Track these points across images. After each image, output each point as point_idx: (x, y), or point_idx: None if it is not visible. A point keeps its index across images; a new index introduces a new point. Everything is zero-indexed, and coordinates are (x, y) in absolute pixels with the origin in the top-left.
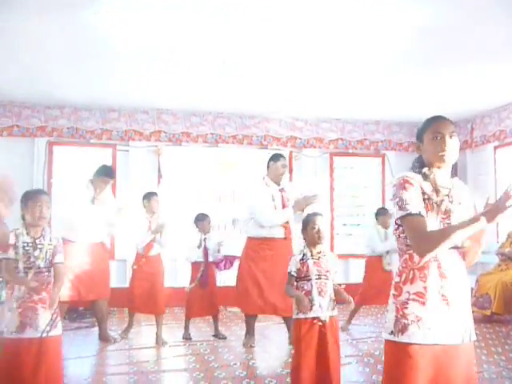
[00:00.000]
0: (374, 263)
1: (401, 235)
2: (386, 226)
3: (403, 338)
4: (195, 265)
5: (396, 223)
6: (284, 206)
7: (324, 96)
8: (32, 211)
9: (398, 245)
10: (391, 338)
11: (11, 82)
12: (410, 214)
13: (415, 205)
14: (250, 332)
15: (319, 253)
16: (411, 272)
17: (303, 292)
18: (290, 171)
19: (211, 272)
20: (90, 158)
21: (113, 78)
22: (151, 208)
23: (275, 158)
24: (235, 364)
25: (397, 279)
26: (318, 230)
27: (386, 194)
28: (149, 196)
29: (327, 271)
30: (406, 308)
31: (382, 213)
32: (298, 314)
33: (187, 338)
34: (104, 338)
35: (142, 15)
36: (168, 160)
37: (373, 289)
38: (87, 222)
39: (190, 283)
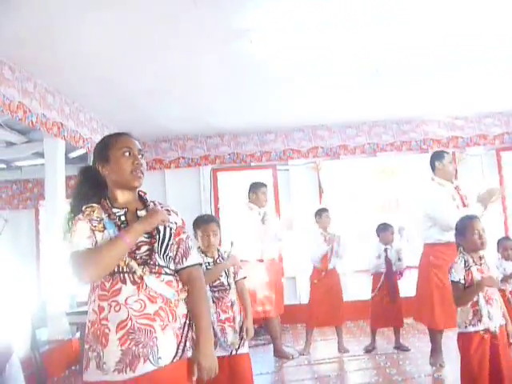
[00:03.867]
0: None
1: None
2: None
3: None
4: (376, 275)
5: None
6: (464, 205)
7: (483, 90)
8: (202, 240)
9: None
10: None
11: (175, 119)
12: None
13: None
14: (437, 349)
15: (481, 258)
16: None
17: (470, 304)
18: (455, 173)
19: (394, 282)
20: (252, 180)
21: (267, 102)
22: (323, 224)
23: (439, 155)
24: (419, 377)
25: None
26: (480, 235)
27: None
28: (320, 212)
29: None
30: None
31: None
32: (466, 327)
33: (369, 349)
34: (280, 354)
35: (293, 37)
36: (327, 174)
37: None
38: (259, 240)
39: (372, 294)
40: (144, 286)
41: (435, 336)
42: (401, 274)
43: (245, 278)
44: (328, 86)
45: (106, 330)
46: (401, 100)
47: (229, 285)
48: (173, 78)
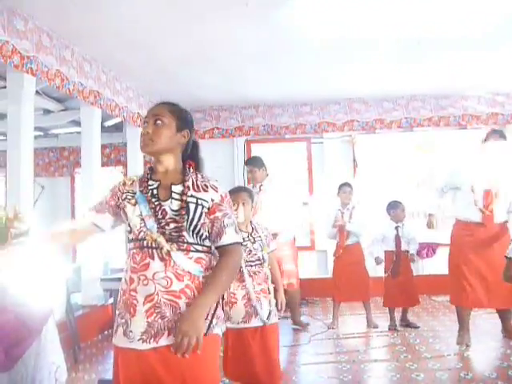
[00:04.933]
0: None
1: None
2: None
3: None
4: (389, 254)
5: None
6: None
7: None
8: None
9: None
10: None
11: (209, 89)
12: None
13: None
14: (464, 328)
15: None
16: None
17: None
18: None
19: (404, 261)
20: (285, 153)
21: (303, 73)
22: (342, 199)
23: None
24: (449, 355)
25: None
26: None
27: None
28: (341, 187)
29: None
30: None
31: None
32: None
33: (393, 328)
34: (297, 323)
35: (333, 7)
36: (363, 149)
37: None
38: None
39: (385, 273)
40: (171, 262)
41: (462, 315)
42: (433, 250)
43: (274, 250)
44: (366, 59)
45: (134, 301)
46: (440, 74)
47: (263, 258)
48: (209, 47)
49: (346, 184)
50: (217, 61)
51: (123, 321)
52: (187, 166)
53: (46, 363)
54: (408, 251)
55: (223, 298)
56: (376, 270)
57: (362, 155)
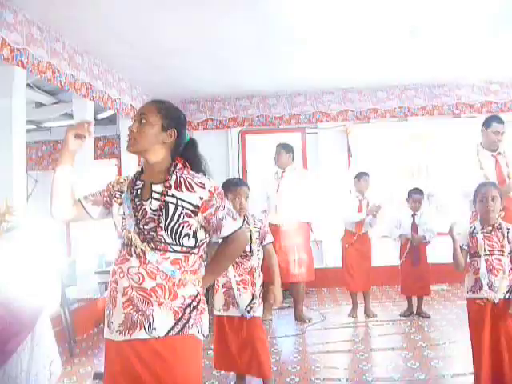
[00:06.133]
0: None
1: None
2: None
3: None
4: (405, 241)
5: None
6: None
7: None
8: (233, 203)
9: None
10: None
11: (204, 80)
12: None
13: None
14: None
15: (492, 226)
16: None
17: (473, 270)
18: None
19: (421, 249)
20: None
21: (297, 64)
22: (361, 188)
23: (487, 122)
24: (444, 343)
25: None
26: (487, 202)
27: None
28: (359, 176)
29: (502, 246)
30: None
31: None
32: (467, 292)
33: (405, 314)
34: (300, 319)
35: None
36: (357, 138)
37: None
38: (288, 204)
39: (400, 259)
40: (146, 261)
41: None
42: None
43: (272, 242)
44: (359, 48)
45: (115, 293)
46: (434, 63)
47: (251, 251)
48: (202, 39)
49: (364, 173)
50: (210, 52)
51: (107, 312)
52: (173, 163)
53: (41, 357)
54: (425, 237)
55: (209, 289)
56: (385, 260)
57: (356, 145)
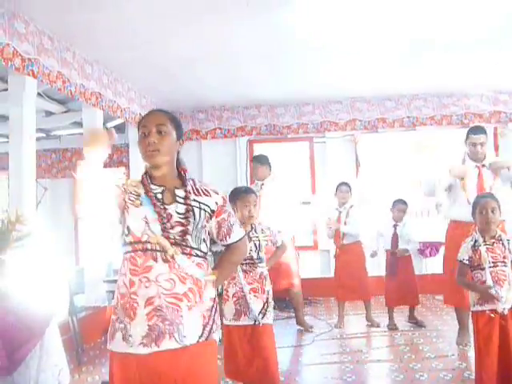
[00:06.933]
0: None
1: None
2: None
3: None
4: (389, 253)
5: None
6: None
7: None
8: (241, 211)
9: None
10: None
11: (211, 89)
12: None
13: None
14: (464, 328)
15: (494, 238)
16: None
17: (478, 282)
18: (496, 148)
19: (403, 260)
20: (288, 153)
21: (305, 73)
22: (339, 199)
23: (466, 134)
24: (453, 355)
25: None
26: (487, 214)
27: None
28: (339, 186)
29: (504, 257)
30: None
31: None
32: (474, 305)
33: (392, 327)
34: (301, 323)
35: (333, 7)
36: (365, 148)
37: None
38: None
39: (386, 271)
40: (175, 265)
41: (461, 315)
42: (437, 249)
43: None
44: (368, 58)
45: (135, 305)
46: (442, 72)
47: (259, 259)
48: (210, 48)
49: (344, 183)
50: (218, 61)
51: (122, 325)
52: (182, 171)
53: (49, 366)
54: (407, 250)
55: (220, 297)
56: (379, 270)
57: (364, 154)
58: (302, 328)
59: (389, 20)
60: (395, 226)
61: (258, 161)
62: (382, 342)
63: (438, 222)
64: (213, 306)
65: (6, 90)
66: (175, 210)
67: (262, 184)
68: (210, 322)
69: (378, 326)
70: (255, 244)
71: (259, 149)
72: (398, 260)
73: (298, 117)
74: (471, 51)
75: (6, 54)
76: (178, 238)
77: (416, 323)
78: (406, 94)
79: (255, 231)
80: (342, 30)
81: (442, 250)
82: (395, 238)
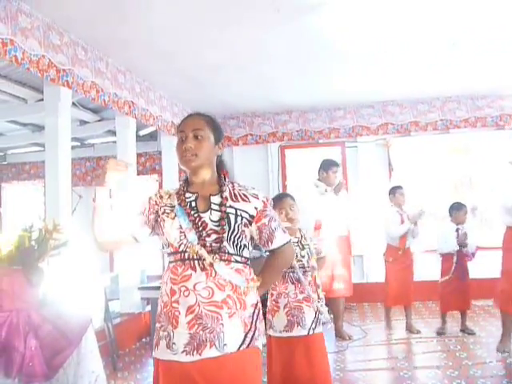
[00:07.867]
0: None
1: None
2: None
3: None
4: (446, 257)
5: None
6: None
7: None
8: (280, 217)
9: None
10: None
11: (242, 96)
12: None
13: None
14: (506, 335)
15: None
16: None
17: None
18: None
19: (465, 264)
20: (320, 158)
21: (336, 77)
22: (397, 202)
23: None
24: (491, 362)
25: None
26: None
27: None
28: (394, 190)
29: None
30: None
31: None
32: None
33: (440, 332)
34: (340, 335)
35: (363, 10)
36: (398, 152)
37: None
38: (332, 217)
39: (442, 276)
40: (213, 273)
41: (508, 322)
42: (473, 254)
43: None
44: (399, 61)
45: (177, 313)
46: (476, 74)
47: (309, 267)
48: (241, 55)
49: (399, 187)
50: (249, 67)
51: (165, 333)
52: (222, 175)
53: (86, 372)
54: (468, 252)
55: (265, 307)
56: (428, 275)
57: (397, 159)
58: (341, 338)
59: (420, 22)
60: (458, 230)
61: (336, 164)
62: (419, 348)
63: (473, 226)
64: (254, 313)
65: (42, 100)
66: (209, 217)
67: (336, 189)
68: (253, 329)
69: (419, 333)
70: (307, 252)
71: (291, 154)
72: (463, 262)
73: (330, 122)
74: (505, 51)
75: (41, 65)
76: (214, 245)
77: (464, 331)
78: (439, 96)
79: (305, 239)
80: (372, 33)
81: (479, 254)
82: (460, 241)
